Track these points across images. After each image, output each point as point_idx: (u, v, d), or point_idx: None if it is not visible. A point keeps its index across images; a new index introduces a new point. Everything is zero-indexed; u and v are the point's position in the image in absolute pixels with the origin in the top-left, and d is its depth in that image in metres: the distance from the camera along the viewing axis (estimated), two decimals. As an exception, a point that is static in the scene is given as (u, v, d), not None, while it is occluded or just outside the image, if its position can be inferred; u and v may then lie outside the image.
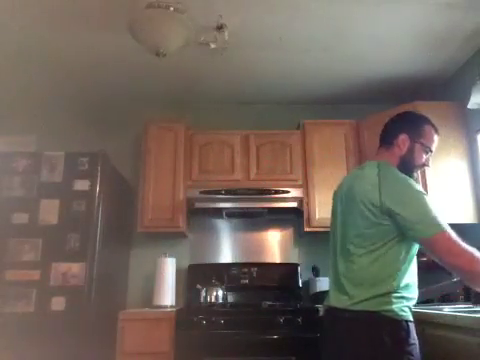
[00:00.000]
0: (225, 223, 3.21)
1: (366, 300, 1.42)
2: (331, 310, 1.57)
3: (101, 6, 2.25)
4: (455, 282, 2.47)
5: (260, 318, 2.39)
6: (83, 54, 2.73)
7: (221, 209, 2.96)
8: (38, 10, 2.28)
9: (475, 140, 2.71)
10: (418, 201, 1.43)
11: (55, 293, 2.25)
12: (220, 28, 2.40)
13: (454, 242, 1.38)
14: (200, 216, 3.14)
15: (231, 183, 2.91)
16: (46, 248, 2.31)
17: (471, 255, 1.36)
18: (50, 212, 2.37)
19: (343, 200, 1.63)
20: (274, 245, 3.19)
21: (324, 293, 2.75)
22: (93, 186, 2.42)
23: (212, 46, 2.52)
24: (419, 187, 1.49)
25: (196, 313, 2.40)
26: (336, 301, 1.54)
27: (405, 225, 1.42)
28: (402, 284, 1.43)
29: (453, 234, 1.40)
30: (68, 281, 2.27)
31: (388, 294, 1.41)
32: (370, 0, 2.24)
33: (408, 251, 1.47)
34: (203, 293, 2.77)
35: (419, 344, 1.42)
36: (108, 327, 2.40)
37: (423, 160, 1.62)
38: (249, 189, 2.88)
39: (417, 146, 1.60)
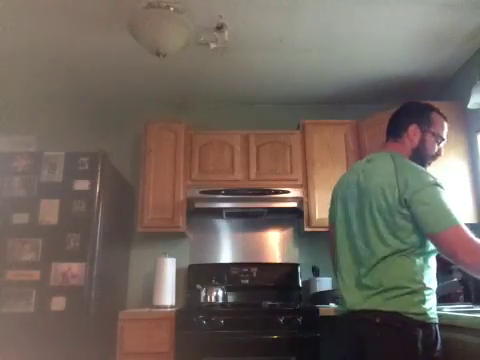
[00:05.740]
0: (225, 223, 3.20)
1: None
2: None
3: (101, 6, 2.25)
4: (455, 282, 2.46)
5: (260, 318, 2.39)
6: (83, 54, 2.73)
7: (221, 209, 2.96)
8: (38, 10, 2.28)
9: (475, 140, 2.71)
10: (432, 193, 1.37)
11: (55, 293, 2.25)
12: (220, 28, 2.40)
13: (469, 238, 1.30)
14: (200, 216, 3.14)
15: (231, 183, 2.91)
16: (46, 248, 2.31)
17: None
18: (50, 212, 2.36)
19: (352, 198, 1.55)
20: (274, 245, 3.19)
21: (324, 293, 2.76)
22: (93, 186, 2.42)
23: (212, 46, 2.53)
24: (437, 179, 1.42)
25: (196, 313, 2.40)
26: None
27: (417, 217, 1.37)
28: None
29: (467, 230, 1.32)
30: (68, 281, 2.27)
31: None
32: (370, 0, 2.24)
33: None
34: (203, 293, 2.77)
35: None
36: (108, 327, 2.40)
37: (436, 150, 1.58)
38: (249, 189, 2.87)
39: (428, 136, 1.56)
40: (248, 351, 2.29)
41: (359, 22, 2.43)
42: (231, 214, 3.07)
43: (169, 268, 2.82)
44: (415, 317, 1.34)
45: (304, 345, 2.33)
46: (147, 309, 2.66)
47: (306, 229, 2.88)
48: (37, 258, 2.29)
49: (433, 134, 1.56)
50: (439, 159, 2.66)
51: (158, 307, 2.69)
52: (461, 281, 2.53)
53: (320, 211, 2.86)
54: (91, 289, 2.28)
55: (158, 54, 2.25)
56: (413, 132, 1.56)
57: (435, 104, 2.83)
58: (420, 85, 3.12)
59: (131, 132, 3.32)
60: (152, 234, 3.02)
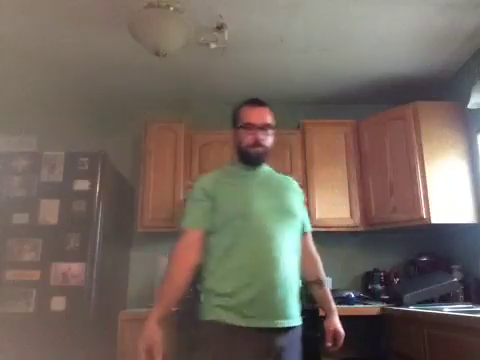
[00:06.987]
0: (225, 223, 3.20)
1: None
2: None
3: (101, 6, 2.25)
4: (455, 282, 2.47)
5: (260, 318, 2.38)
6: (83, 54, 2.73)
7: (221, 209, 2.95)
8: (38, 11, 2.28)
9: (475, 140, 2.71)
10: (190, 195, 1.67)
11: (55, 293, 2.25)
12: (220, 28, 2.40)
13: (183, 240, 1.53)
14: (200, 216, 3.13)
15: (231, 183, 2.90)
16: (46, 248, 2.31)
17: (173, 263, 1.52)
18: (50, 212, 2.37)
19: None
20: (274, 245, 3.18)
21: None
22: (93, 186, 2.42)
23: (212, 46, 2.53)
24: (202, 182, 1.65)
25: (196, 313, 2.39)
26: None
27: None
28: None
29: (190, 235, 1.55)
30: (68, 281, 2.27)
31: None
32: (370, 0, 2.24)
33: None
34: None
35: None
36: (108, 327, 2.40)
37: (248, 139, 1.60)
38: (249, 189, 2.87)
39: (239, 131, 1.62)
40: (248, 351, 2.28)
41: (359, 22, 2.43)
42: (231, 214, 3.06)
43: (169, 268, 2.81)
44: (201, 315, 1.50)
45: (304, 345, 2.32)
46: (147, 309, 2.66)
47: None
48: (37, 258, 2.30)
49: (240, 127, 1.61)
50: (439, 159, 2.70)
51: (158, 307, 2.68)
52: (461, 281, 2.53)
53: (320, 211, 2.85)
54: (91, 289, 2.29)
55: (158, 54, 2.25)
56: (232, 136, 1.68)
57: (435, 104, 2.87)
58: (420, 85, 3.12)
59: (131, 132, 3.32)
60: (152, 234, 3.01)
